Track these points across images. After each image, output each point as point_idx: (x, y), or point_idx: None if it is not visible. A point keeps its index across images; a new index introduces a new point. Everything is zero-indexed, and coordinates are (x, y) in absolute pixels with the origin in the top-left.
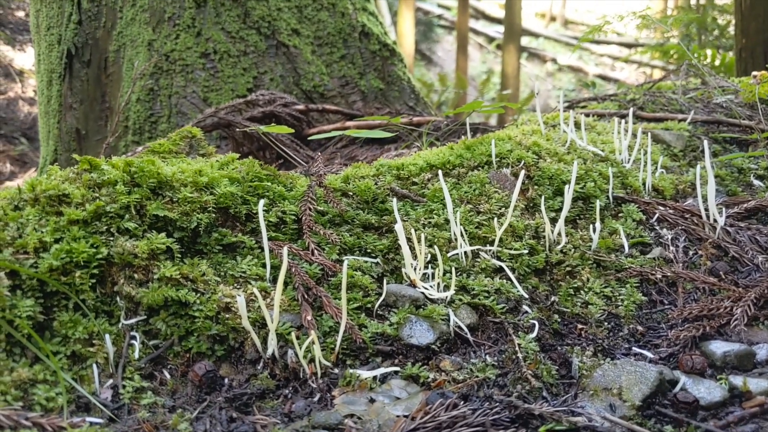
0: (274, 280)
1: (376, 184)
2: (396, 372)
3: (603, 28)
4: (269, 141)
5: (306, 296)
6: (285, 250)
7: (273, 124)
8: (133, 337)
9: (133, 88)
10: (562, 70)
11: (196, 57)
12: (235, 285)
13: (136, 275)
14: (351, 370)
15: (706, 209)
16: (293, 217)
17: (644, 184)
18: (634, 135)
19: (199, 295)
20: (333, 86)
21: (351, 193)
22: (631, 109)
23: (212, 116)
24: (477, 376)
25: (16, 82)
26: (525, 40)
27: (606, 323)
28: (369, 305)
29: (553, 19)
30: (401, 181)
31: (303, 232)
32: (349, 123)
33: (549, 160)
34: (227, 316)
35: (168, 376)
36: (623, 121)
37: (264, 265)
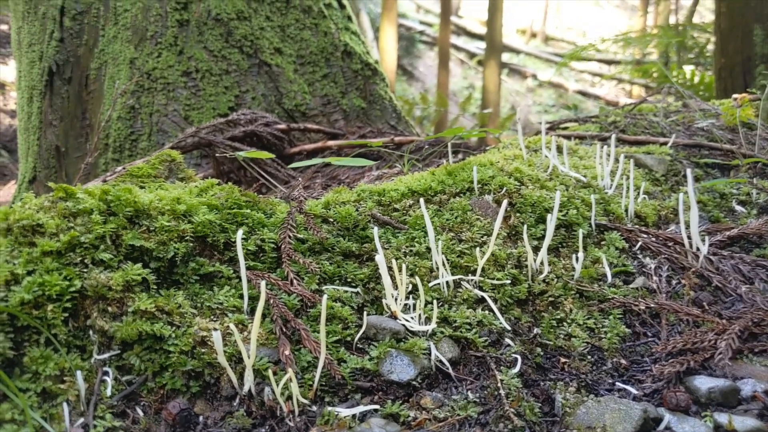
0: (252, 312)
1: (357, 210)
2: (376, 410)
3: (585, 52)
4: (249, 162)
5: (284, 329)
6: (263, 284)
7: (254, 142)
8: (106, 373)
9: (114, 106)
10: (542, 86)
11: (178, 75)
12: (212, 317)
13: (110, 308)
14: (329, 408)
15: (689, 237)
16: (272, 245)
17: (627, 210)
18: (617, 160)
19: (174, 328)
20: (315, 105)
21: (332, 220)
22: (613, 135)
23: (193, 136)
24: (458, 414)
25: None
26: (506, 56)
27: (589, 356)
28: (349, 338)
29: (533, 35)
30: (383, 207)
31: (282, 261)
32: (330, 142)
33: (531, 186)
34: (203, 350)
35: (141, 413)
36: (605, 146)
37: (242, 296)
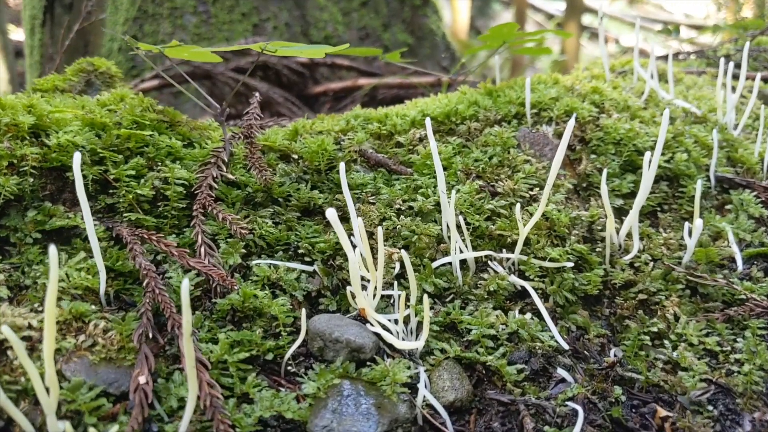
0: (117, 299)
1: (338, 144)
2: None
3: None
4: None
5: (151, 335)
6: (52, 250)
7: (268, 78)
8: None
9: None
10: (626, 52)
11: None
12: (40, 303)
13: None
14: None
15: None
16: (182, 189)
17: (763, 160)
18: (741, 96)
19: None
20: (349, 39)
21: (296, 156)
22: (747, 44)
23: (185, 63)
24: None
25: None
26: (587, 19)
27: (711, 407)
28: (274, 355)
29: None
30: (381, 142)
31: (193, 216)
32: (362, 80)
33: (616, 115)
34: None
35: None
36: (726, 69)
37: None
